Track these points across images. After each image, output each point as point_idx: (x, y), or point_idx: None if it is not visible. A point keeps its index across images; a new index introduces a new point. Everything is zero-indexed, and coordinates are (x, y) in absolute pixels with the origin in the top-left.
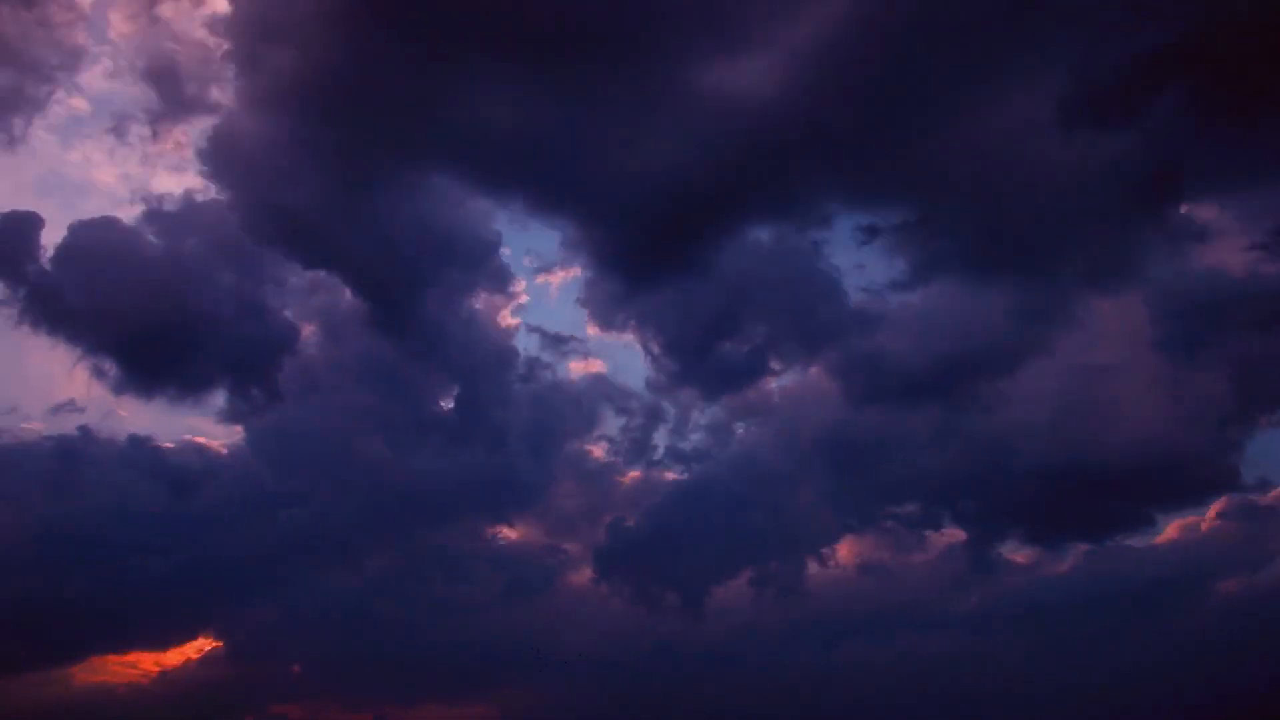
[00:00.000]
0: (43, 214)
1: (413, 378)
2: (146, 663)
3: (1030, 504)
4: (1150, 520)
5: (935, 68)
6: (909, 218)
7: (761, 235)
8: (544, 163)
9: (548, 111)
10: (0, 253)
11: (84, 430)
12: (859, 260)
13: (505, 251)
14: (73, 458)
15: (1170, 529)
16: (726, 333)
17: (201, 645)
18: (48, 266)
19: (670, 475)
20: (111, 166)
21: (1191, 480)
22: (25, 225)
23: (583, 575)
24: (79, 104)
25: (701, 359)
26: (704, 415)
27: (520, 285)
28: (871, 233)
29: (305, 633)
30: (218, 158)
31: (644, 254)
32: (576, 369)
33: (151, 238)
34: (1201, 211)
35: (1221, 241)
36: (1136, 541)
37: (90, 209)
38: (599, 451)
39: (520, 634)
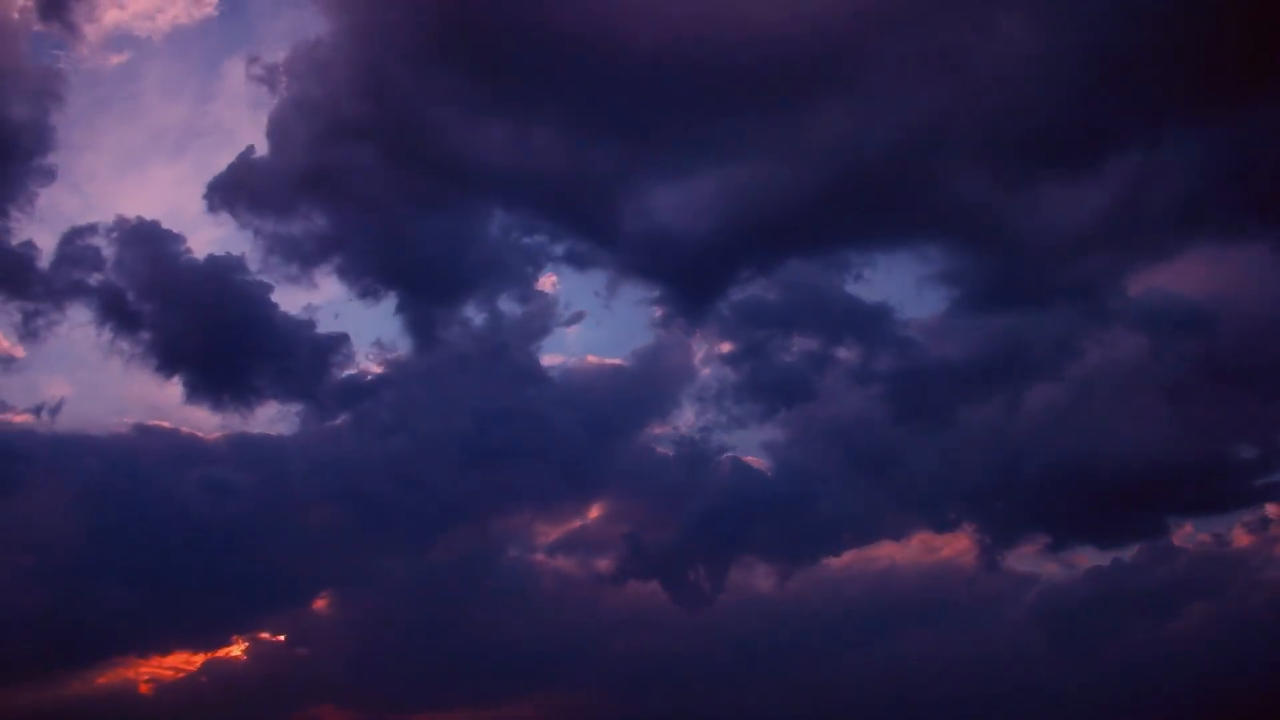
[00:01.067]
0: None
1: (457, 385)
2: (180, 663)
3: (1053, 509)
4: (1171, 526)
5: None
6: (942, 259)
7: (810, 269)
8: (594, 202)
9: (605, 156)
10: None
11: (141, 430)
12: (899, 292)
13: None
14: (126, 457)
15: (1194, 534)
16: (778, 352)
17: (235, 647)
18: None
19: (717, 480)
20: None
21: (1211, 489)
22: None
23: (622, 577)
24: None
25: (754, 375)
26: (754, 428)
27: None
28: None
29: (339, 635)
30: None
31: (705, 277)
32: (622, 376)
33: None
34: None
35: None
36: (1163, 546)
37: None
38: (649, 456)
39: (560, 636)
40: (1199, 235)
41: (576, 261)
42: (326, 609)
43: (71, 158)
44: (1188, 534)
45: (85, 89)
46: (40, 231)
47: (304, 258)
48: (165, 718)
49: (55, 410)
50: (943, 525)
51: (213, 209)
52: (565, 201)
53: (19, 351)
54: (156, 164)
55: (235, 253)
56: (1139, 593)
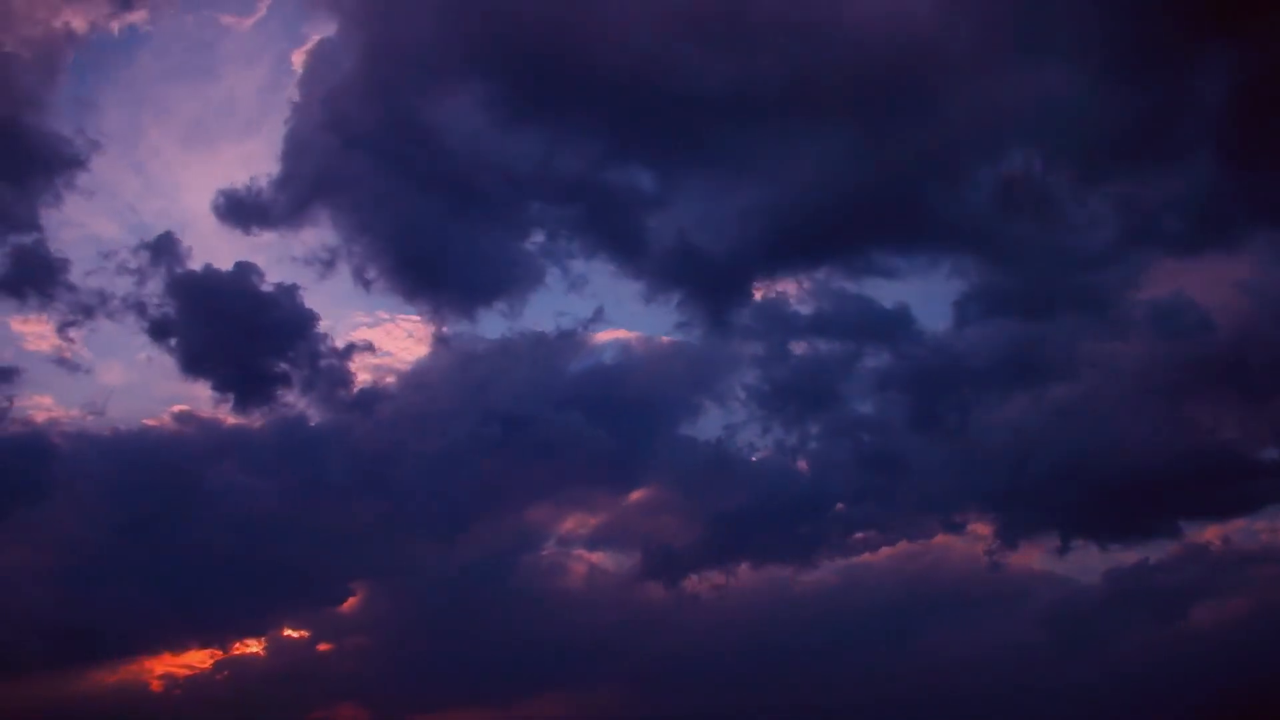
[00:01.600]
0: None
1: (486, 385)
2: (198, 660)
3: (1069, 510)
4: (1188, 528)
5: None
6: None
7: (835, 278)
8: (623, 211)
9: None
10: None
11: (181, 419)
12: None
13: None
14: (152, 452)
15: (1212, 536)
16: (800, 357)
17: (255, 644)
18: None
19: (738, 480)
20: None
21: (1230, 490)
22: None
23: (646, 575)
24: None
25: (775, 379)
26: (774, 430)
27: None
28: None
29: (363, 631)
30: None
31: (730, 284)
32: (658, 376)
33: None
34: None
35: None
36: (1181, 546)
37: None
38: (672, 456)
39: (585, 634)
40: (1209, 241)
41: (604, 268)
42: (351, 606)
43: (134, 136)
44: (1206, 535)
45: (155, 59)
46: (97, 214)
47: (332, 263)
48: (183, 715)
49: (101, 411)
50: (959, 526)
51: (223, 218)
52: (595, 210)
53: (55, 352)
54: (227, 138)
55: (283, 245)
56: (1157, 593)
